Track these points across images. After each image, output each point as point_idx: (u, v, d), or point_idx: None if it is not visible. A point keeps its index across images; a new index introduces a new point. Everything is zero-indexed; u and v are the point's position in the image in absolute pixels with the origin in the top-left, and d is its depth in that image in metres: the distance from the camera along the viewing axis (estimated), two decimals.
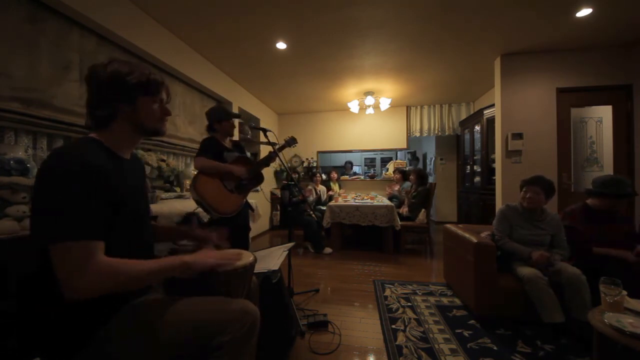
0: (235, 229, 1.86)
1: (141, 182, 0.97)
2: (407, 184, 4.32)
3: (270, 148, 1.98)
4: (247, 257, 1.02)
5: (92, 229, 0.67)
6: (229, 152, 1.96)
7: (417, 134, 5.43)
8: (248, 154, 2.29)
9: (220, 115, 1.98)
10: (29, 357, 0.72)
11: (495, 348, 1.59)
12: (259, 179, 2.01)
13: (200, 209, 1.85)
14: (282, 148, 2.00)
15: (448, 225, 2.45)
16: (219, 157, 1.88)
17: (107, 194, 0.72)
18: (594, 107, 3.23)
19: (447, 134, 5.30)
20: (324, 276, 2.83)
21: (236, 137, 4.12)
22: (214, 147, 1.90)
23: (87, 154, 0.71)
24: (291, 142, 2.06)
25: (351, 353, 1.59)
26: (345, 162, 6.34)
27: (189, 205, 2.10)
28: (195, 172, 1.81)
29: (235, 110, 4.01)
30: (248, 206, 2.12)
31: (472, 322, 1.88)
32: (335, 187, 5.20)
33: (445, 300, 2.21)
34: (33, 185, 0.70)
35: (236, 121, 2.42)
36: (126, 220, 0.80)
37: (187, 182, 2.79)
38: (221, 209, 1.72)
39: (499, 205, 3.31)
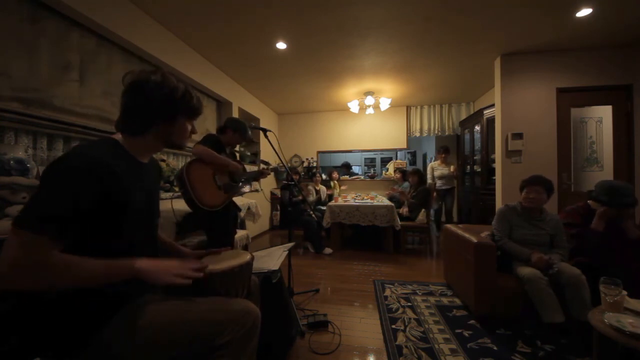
0: (225, 233, 1.93)
1: (156, 185, 0.98)
2: (406, 184, 4.32)
3: (269, 148, 2.02)
4: (243, 256, 1.02)
5: (52, 228, 0.64)
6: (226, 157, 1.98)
7: (417, 134, 5.43)
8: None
9: (242, 129, 2.03)
10: (29, 357, 0.72)
11: (495, 348, 1.59)
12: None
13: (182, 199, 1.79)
14: (273, 170, 2.20)
15: (448, 225, 2.44)
16: None
17: (109, 194, 0.72)
18: (594, 107, 3.23)
19: (447, 134, 5.29)
20: (324, 276, 2.83)
21: None
22: (217, 144, 1.90)
23: (96, 153, 0.72)
24: (278, 168, 2.29)
25: (351, 353, 1.59)
26: (342, 164, 6.25)
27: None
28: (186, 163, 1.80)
29: (235, 110, 4.02)
30: (237, 208, 2.20)
31: (472, 322, 1.88)
32: (336, 186, 5.19)
33: (445, 300, 2.21)
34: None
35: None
36: (132, 221, 0.81)
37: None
38: (204, 200, 1.64)
39: (499, 205, 3.30)
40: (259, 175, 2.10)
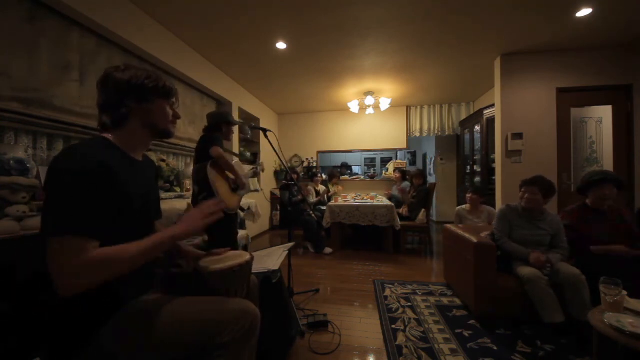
0: (228, 233, 1.93)
1: (152, 184, 0.98)
2: (406, 183, 4.32)
3: (269, 149, 2.04)
4: (243, 256, 1.02)
5: (87, 227, 0.67)
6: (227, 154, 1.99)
7: (417, 134, 5.43)
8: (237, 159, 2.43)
9: (229, 118, 2.09)
10: (29, 357, 0.72)
11: (495, 348, 1.59)
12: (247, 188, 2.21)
13: (203, 197, 1.84)
14: (260, 167, 2.38)
15: (448, 225, 2.44)
16: None
17: (112, 192, 0.72)
18: (594, 107, 3.23)
19: (447, 134, 5.29)
20: (324, 276, 2.83)
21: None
22: (221, 143, 1.92)
23: (96, 152, 0.72)
24: (259, 169, 2.39)
25: (351, 353, 1.59)
26: (342, 164, 6.24)
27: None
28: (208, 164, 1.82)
29: (235, 110, 4.02)
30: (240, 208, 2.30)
31: (472, 322, 1.88)
32: (334, 188, 5.16)
33: (445, 300, 2.21)
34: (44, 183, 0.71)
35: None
36: (131, 220, 0.81)
37: (187, 182, 2.79)
38: (228, 203, 1.77)
39: (498, 205, 3.30)
40: (252, 177, 2.23)
